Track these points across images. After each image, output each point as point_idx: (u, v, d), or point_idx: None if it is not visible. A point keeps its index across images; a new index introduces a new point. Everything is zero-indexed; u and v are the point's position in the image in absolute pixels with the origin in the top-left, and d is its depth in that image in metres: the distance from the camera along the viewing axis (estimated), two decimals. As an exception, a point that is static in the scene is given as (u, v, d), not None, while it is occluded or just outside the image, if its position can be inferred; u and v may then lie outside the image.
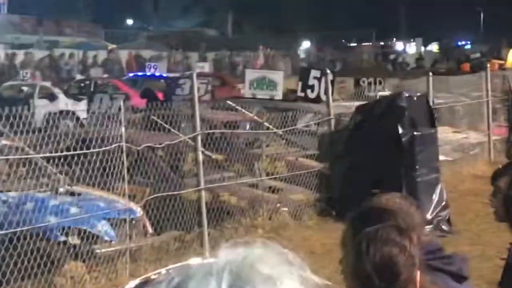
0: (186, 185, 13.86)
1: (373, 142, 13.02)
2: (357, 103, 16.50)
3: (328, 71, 17.46)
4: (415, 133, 12.94)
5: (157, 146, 13.95)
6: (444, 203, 13.74)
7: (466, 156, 19.41)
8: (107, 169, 12.12)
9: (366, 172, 13.41)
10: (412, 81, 23.63)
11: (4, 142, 11.99)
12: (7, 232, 10.61)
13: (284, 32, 73.70)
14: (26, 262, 10.60)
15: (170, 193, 13.16)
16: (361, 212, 4.04)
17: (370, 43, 68.01)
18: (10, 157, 11.81)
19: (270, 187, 15.37)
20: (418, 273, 3.43)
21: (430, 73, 19.09)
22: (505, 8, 69.81)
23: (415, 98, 13.72)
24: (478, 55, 51.19)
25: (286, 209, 14.28)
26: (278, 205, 14.49)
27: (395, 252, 3.47)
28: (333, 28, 73.55)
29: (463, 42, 73.37)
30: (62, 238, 11.26)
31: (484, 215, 12.51)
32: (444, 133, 17.46)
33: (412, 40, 66.46)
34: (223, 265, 1.33)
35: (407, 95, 13.65)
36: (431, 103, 16.62)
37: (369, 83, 21.97)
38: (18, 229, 10.61)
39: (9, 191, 11.48)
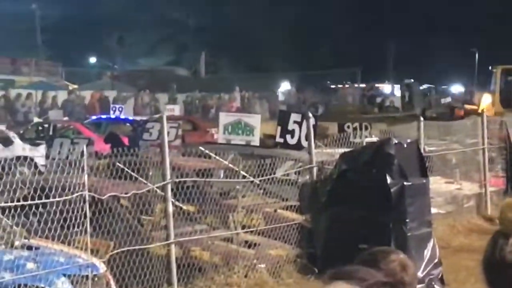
0: (154, 239, 13.67)
1: (359, 192, 12.93)
2: (341, 150, 16.43)
3: (310, 115, 17.52)
4: (405, 183, 12.81)
5: (123, 195, 13.85)
6: (436, 260, 13.63)
7: (460, 209, 19.42)
8: (68, 221, 11.89)
9: (352, 225, 13.29)
10: (402, 127, 23.74)
11: None
12: None
13: (261, 72, 73.88)
14: None
15: (136, 247, 12.99)
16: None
17: (355, 85, 68.48)
18: None
19: (246, 242, 15.19)
20: None
21: (421, 118, 19.26)
22: (499, 47, 70.42)
23: (405, 145, 13.65)
24: (448, 100, 52.26)
25: (264, 265, 14.15)
26: (255, 261, 14.32)
27: None
28: (315, 68, 73.86)
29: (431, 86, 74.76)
30: None
31: (479, 273, 12.52)
32: (436, 183, 17.68)
33: (402, 81, 66.97)
34: None
35: (396, 141, 13.55)
36: (422, 151, 16.59)
37: (355, 128, 22.08)
38: None
39: None
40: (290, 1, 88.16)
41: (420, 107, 52.05)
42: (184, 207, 15.05)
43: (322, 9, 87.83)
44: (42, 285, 11.16)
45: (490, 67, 45.95)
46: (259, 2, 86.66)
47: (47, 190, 12.13)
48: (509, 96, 42.12)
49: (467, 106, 44.40)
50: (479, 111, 35.71)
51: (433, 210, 15.55)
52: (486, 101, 43.36)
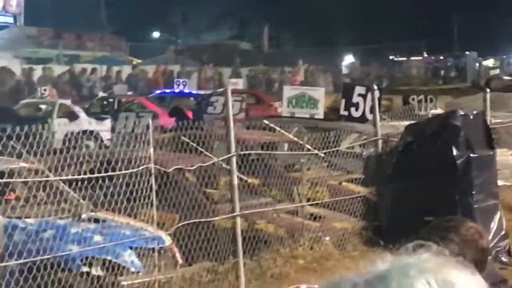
0: (219, 212, 13.72)
1: (425, 165, 12.93)
2: (406, 123, 16.45)
3: (375, 87, 17.50)
4: (471, 155, 12.78)
5: (189, 168, 13.94)
6: (503, 232, 13.59)
7: (528, 181, 19.72)
8: (134, 194, 12.04)
9: (418, 198, 13.28)
10: (467, 98, 23.53)
11: (22, 164, 11.98)
12: (26, 261, 10.59)
13: (324, 46, 73.42)
14: None
15: (202, 219, 13.09)
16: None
17: (420, 58, 67.70)
18: (29, 179, 11.83)
19: (311, 214, 15.21)
20: None
21: (487, 90, 19.05)
22: None
23: (470, 117, 13.60)
24: (497, 71, 51.64)
25: (329, 238, 14.22)
26: (320, 234, 14.43)
27: None
28: (378, 41, 73.27)
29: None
30: (85, 269, 11.25)
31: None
32: (503, 155, 17.57)
33: (466, 53, 65.87)
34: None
35: (461, 113, 13.51)
36: (488, 123, 16.51)
37: (419, 101, 21.93)
38: (38, 258, 10.60)
39: (28, 217, 11.43)
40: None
41: (471, 79, 52.04)
42: (249, 180, 15.00)
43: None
44: (109, 258, 11.36)
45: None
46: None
47: (113, 163, 12.31)
48: None
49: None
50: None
51: (500, 182, 15.45)
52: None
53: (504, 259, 13.04)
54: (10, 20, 67.14)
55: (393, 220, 13.56)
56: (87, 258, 11.28)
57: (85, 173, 12.48)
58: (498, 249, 13.20)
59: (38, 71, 44.48)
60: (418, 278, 1.31)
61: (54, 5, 72.40)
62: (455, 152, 12.21)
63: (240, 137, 15.00)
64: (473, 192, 12.45)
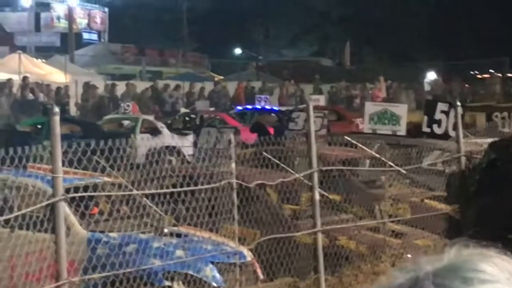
0: (300, 227, 13.71)
1: (509, 182, 12.42)
2: (489, 140, 16.31)
3: (458, 104, 17.36)
4: None
5: (270, 183, 13.87)
6: None
7: None
8: (215, 208, 12.20)
9: (501, 215, 12.93)
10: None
11: (106, 178, 12.20)
12: (109, 275, 10.78)
13: (406, 62, 73.38)
14: None
15: (283, 235, 13.12)
16: None
17: (503, 74, 66.84)
18: (112, 193, 12.20)
19: (392, 231, 15.26)
20: None
21: None
22: None
23: None
24: None
25: (411, 255, 13.99)
26: (402, 251, 14.34)
27: None
28: (460, 57, 72.86)
29: None
30: (167, 283, 11.40)
31: None
32: None
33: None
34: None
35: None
36: None
37: (503, 118, 21.69)
38: (120, 271, 10.82)
39: (111, 231, 11.69)
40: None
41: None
42: (330, 196, 14.88)
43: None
44: (190, 272, 11.49)
45: None
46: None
47: (195, 178, 12.42)
48: None
49: None
50: None
51: None
52: None
53: None
54: (95, 37, 68.88)
55: (476, 238, 12.91)
56: (168, 272, 11.42)
57: (167, 188, 12.55)
58: None
59: (121, 87, 45.05)
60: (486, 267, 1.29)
61: (137, 22, 73.79)
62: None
63: (321, 153, 14.95)
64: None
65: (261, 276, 12.50)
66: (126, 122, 32.42)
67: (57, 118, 9.91)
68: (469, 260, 1.32)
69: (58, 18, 67.62)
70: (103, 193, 12.32)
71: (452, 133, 16.61)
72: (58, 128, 9.78)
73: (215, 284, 11.72)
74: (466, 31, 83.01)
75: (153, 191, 12.50)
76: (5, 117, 33.99)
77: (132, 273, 11.09)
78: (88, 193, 11.78)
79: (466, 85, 60.67)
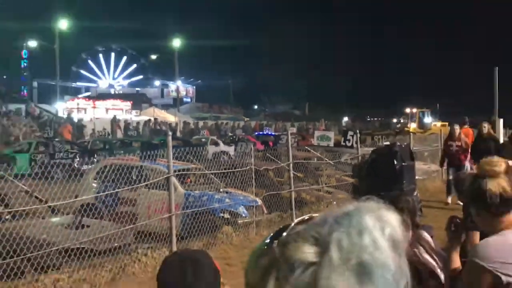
0: (284, 189, 14.26)
1: (381, 169, 11.41)
2: (372, 148, 16.02)
3: (358, 132, 17.84)
4: (403, 164, 11.84)
5: (270, 168, 14.77)
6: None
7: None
8: (244, 180, 13.08)
9: (378, 185, 13.15)
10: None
11: (192, 165, 13.04)
12: (194, 210, 11.61)
13: (335, 111, 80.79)
14: (202, 226, 11.47)
15: (275, 192, 13.82)
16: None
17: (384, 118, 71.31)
18: (196, 172, 13.26)
19: (327, 191, 15.62)
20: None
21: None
22: None
23: (403, 146, 12.43)
24: None
25: (336, 203, 14.22)
26: (331, 201, 14.74)
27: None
28: (364, 107, 77.28)
29: None
30: (221, 215, 12.14)
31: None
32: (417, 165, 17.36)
33: None
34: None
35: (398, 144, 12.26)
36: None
37: (379, 139, 23.62)
38: (199, 209, 11.72)
39: (195, 191, 12.61)
40: None
41: None
42: (298, 174, 15.29)
43: None
44: (232, 209, 12.37)
45: None
46: None
47: (235, 165, 13.55)
48: None
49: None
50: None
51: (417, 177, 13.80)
52: None
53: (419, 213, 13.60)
54: (188, 100, 77.93)
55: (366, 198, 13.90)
56: (222, 210, 12.22)
57: (224, 169, 13.60)
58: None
59: (200, 123, 51.24)
60: (367, 215, 1.13)
61: (208, 92, 79.03)
62: (395, 162, 11.52)
63: (294, 154, 15.29)
64: (404, 182, 11.82)
65: (265, 211, 13.06)
66: (203, 139, 34.32)
67: (170, 138, 10.75)
68: (356, 208, 1.13)
69: (172, 91, 77.08)
70: (191, 172, 13.17)
71: (355, 145, 16.93)
72: (170, 142, 10.57)
73: (244, 215, 12.43)
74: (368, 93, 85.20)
75: (215, 171, 13.56)
76: (147, 137, 37.16)
77: (205, 210, 11.79)
78: (184, 172, 12.71)
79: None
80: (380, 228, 1.14)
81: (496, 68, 28.43)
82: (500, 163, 2.85)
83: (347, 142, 17.34)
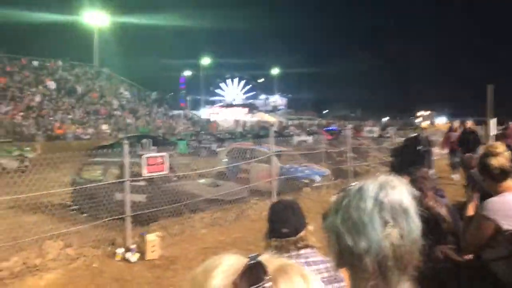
0: (344, 165, 12.76)
1: (409, 152, 10.31)
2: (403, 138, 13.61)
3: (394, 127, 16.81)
4: (424, 149, 10.70)
5: (335, 150, 13.48)
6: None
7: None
8: (318, 158, 12.76)
9: (406, 162, 10.22)
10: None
11: (284, 148, 12.53)
12: (287, 177, 10.76)
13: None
14: (291, 187, 10.82)
15: (338, 166, 12.54)
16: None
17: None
18: (287, 153, 12.61)
19: (373, 166, 14.11)
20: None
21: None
22: None
23: (423, 136, 11.17)
24: None
25: (377, 174, 12.78)
26: (375, 173, 12.17)
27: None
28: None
29: None
30: (304, 180, 11.49)
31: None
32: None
33: None
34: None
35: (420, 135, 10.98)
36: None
37: None
38: (289, 176, 10.90)
39: (286, 165, 11.79)
40: None
41: None
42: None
43: None
44: (311, 177, 11.61)
45: None
46: None
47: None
48: None
49: None
50: None
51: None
52: None
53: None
54: (282, 107, 72.22)
55: (397, 172, 11.51)
56: (303, 177, 11.53)
57: (307, 150, 13.07)
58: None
59: (289, 122, 48.83)
60: (372, 185, 1.01)
61: (293, 101, 76.56)
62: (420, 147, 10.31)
63: (351, 141, 13.30)
64: (424, 161, 10.14)
65: (332, 179, 11.96)
66: (291, 132, 31.77)
67: (272, 130, 10.67)
68: (388, 179, 1.02)
69: (272, 101, 73.66)
70: (284, 153, 12.29)
71: (392, 136, 15.40)
72: (272, 134, 10.26)
73: (317, 181, 11.59)
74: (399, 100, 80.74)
75: (298, 152, 13.18)
76: (256, 131, 33.38)
77: (296, 178, 11.31)
78: (279, 152, 11.64)
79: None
80: (375, 194, 1.00)
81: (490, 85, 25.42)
82: (499, 146, 2.79)
83: (386, 134, 16.67)
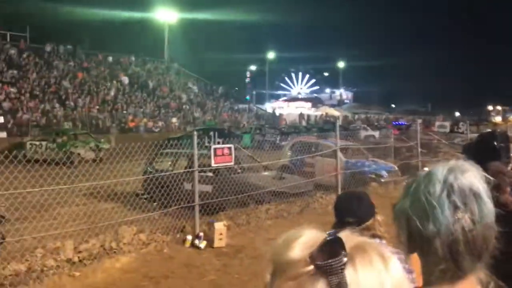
0: (412, 160, 12.61)
1: (483, 148, 10.95)
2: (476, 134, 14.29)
3: (467, 122, 15.55)
4: (501, 144, 10.78)
5: (404, 145, 13.38)
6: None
7: None
8: (385, 153, 12.20)
9: (479, 154, 11.86)
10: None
11: (350, 143, 12.35)
12: (351, 171, 10.71)
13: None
14: (357, 182, 10.47)
15: (406, 161, 12.60)
16: None
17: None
18: (353, 147, 12.40)
19: None
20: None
21: None
22: None
23: (501, 132, 11.37)
24: None
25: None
26: None
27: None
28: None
29: None
30: (369, 175, 11.37)
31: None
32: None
33: None
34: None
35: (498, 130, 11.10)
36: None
37: None
38: (355, 170, 11.04)
39: (352, 159, 11.75)
40: None
41: None
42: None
43: None
44: (378, 172, 11.53)
45: None
46: None
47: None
48: None
49: None
50: None
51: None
52: None
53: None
54: (347, 101, 70.93)
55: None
56: (370, 172, 11.48)
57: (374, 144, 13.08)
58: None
59: (355, 116, 48.41)
60: (442, 169, 0.97)
61: (359, 93, 74.30)
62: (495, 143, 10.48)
63: (420, 136, 13.22)
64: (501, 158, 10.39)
65: (399, 175, 11.46)
66: (357, 127, 30.38)
67: (337, 125, 10.50)
68: (458, 163, 0.97)
69: (337, 95, 72.23)
70: (349, 147, 12.11)
71: (464, 131, 15.03)
72: (338, 128, 10.00)
73: (384, 176, 11.48)
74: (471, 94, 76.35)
75: (365, 146, 12.99)
76: (320, 125, 33.29)
77: (359, 172, 11.06)
78: (345, 146, 11.45)
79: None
80: (444, 177, 0.97)
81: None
82: None
83: (458, 129, 15.89)
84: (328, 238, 0.67)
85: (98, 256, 5.71)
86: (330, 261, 0.64)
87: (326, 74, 78.71)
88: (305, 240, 0.69)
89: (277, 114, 44.84)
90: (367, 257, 0.67)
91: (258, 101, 62.49)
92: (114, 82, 34.57)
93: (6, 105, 26.15)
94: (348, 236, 0.68)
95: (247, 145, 19.08)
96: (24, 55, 32.15)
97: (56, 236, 5.80)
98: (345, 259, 0.65)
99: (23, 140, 19.14)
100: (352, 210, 2.11)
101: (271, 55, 64.33)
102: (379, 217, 2.09)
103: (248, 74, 67.49)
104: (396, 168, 11.96)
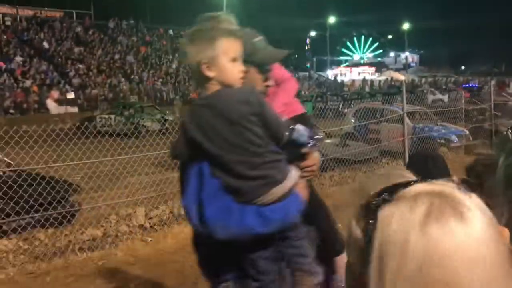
0: (484, 123, 12.22)
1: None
2: None
3: None
4: None
5: (475, 108, 12.86)
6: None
7: None
8: (455, 117, 11.62)
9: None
10: None
11: (418, 107, 11.48)
12: (419, 136, 10.32)
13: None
14: (425, 148, 9.78)
15: (478, 125, 11.94)
16: None
17: None
18: (421, 111, 11.75)
19: None
20: None
21: None
22: None
23: None
24: None
25: None
26: None
27: None
28: None
29: None
30: (438, 140, 10.88)
31: None
32: None
33: None
34: None
35: None
36: None
37: None
38: (423, 135, 10.32)
39: (420, 124, 10.96)
40: None
41: None
42: None
43: None
44: (446, 137, 11.07)
45: None
46: None
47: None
48: None
49: None
50: None
51: None
52: None
53: None
54: (413, 64, 67.90)
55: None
56: (439, 137, 11.00)
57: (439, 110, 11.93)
58: None
59: (422, 80, 46.05)
60: None
61: (430, 56, 70.20)
62: None
63: (494, 98, 12.43)
64: None
65: (471, 139, 11.07)
66: (424, 91, 26.81)
67: (404, 89, 9.55)
68: None
69: (402, 59, 69.00)
70: (417, 111, 11.63)
71: None
72: (404, 92, 9.22)
73: (455, 141, 10.97)
74: None
75: (433, 110, 12.11)
76: (385, 90, 32.42)
77: (427, 137, 10.45)
78: (412, 110, 10.79)
79: None
80: None
81: None
82: None
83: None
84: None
85: (168, 222, 5.89)
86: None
87: (390, 37, 75.28)
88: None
89: (339, 80, 43.73)
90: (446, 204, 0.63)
91: (319, 68, 61.41)
92: (176, 55, 35.18)
93: (75, 81, 27.46)
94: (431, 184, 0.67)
95: (309, 113, 18.78)
96: (90, 32, 33.35)
97: (128, 203, 6.04)
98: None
99: (93, 114, 20.07)
100: (425, 171, 2.00)
101: (331, 19, 62.49)
102: (455, 178, 1.96)
103: (308, 40, 66.07)
104: (467, 132, 11.57)
